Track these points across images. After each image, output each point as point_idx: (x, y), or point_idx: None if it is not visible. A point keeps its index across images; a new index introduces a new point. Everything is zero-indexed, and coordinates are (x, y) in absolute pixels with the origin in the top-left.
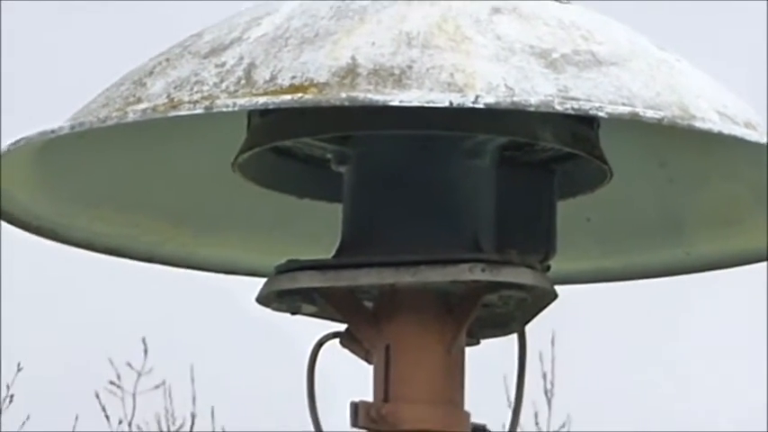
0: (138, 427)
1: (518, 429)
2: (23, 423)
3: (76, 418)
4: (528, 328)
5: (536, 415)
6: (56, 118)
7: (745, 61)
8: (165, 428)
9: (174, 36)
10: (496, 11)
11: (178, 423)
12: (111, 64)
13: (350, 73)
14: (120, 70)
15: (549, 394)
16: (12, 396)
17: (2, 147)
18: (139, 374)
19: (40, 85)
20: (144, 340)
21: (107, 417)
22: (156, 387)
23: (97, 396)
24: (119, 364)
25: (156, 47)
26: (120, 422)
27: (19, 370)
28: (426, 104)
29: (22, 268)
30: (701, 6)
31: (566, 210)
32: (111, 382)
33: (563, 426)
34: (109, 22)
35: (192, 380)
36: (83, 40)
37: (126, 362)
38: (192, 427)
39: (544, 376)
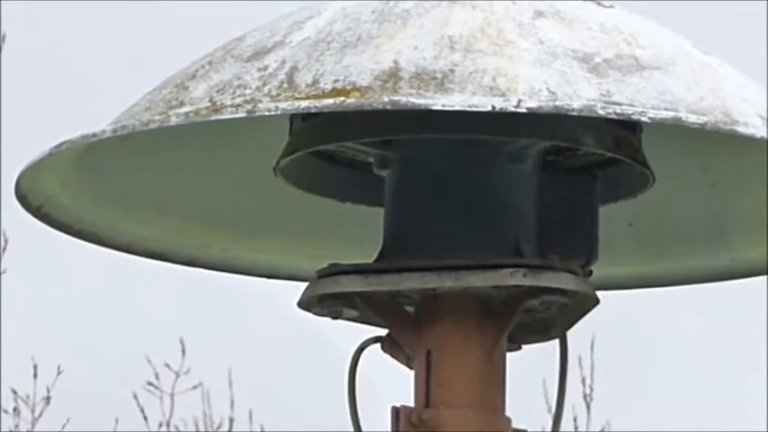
0: (176, 427)
1: None
2: (64, 425)
3: (117, 421)
4: (569, 332)
5: (575, 419)
6: (57, 118)
7: (746, 61)
8: (203, 431)
9: (173, 38)
10: (539, 15)
11: (216, 426)
12: (113, 64)
13: (392, 77)
14: (122, 70)
15: (587, 399)
16: (49, 398)
17: (44, 150)
18: (177, 375)
19: (40, 85)
20: (182, 340)
21: (145, 417)
22: (194, 387)
23: (135, 397)
24: (157, 365)
25: (155, 51)
26: (161, 425)
27: (59, 372)
28: (469, 109)
29: (62, 271)
30: (701, 6)
31: (608, 215)
32: (149, 383)
33: (602, 430)
34: (110, 22)
35: (231, 383)
36: (83, 40)
37: (164, 362)
38: (230, 430)
39: (583, 381)
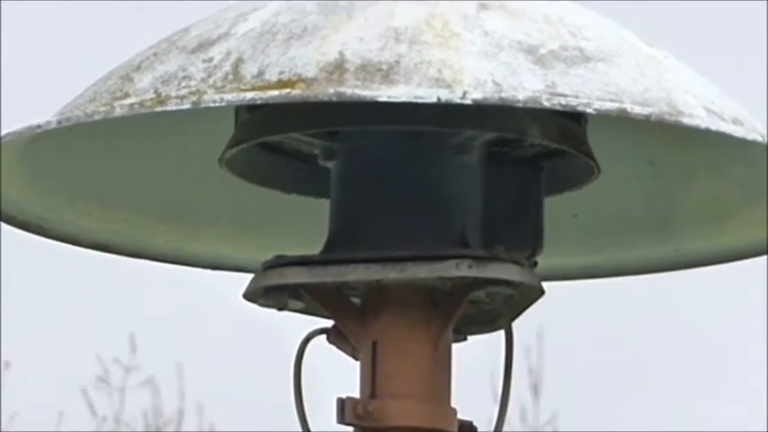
0: (127, 423)
1: (505, 425)
2: (11, 419)
3: (61, 414)
4: (515, 323)
5: (523, 410)
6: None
7: (745, 61)
8: (152, 425)
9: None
10: (484, 7)
11: (166, 419)
12: (111, 63)
13: (338, 68)
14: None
15: (536, 390)
16: None
17: None
18: (127, 370)
19: (40, 84)
20: (132, 336)
21: (94, 412)
22: (143, 383)
23: (84, 392)
24: (106, 361)
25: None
26: (105, 419)
27: (6, 366)
28: (414, 100)
29: (8, 264)
30: (701, 6)
31: (553, 206)
32: (99, 378)
33: (550, 421)
34: (111, 21)
35: (180, 377)
36: (83, 40)
37: (114, 358)
38: (179, 425)
39: (531, 372)
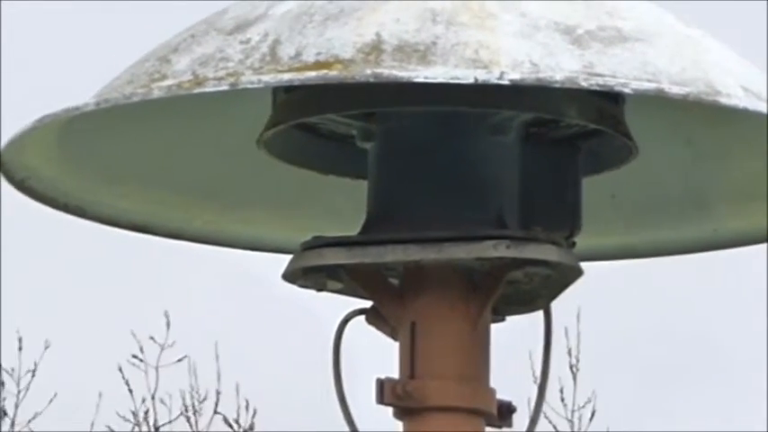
0: (161, 400)
1: (543, 405)
2: (51, 400)
3: (100, 395)
4: (553, 304)
5: (561, 390)
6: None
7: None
8: (189, 404)
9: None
10: None
11: (202, 398)
12: (111, 63)
13: (375, 49)
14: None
15: (574, 370)
16: (34, 371)
17: (27, 123)
18: (162, 348)
19: (40, 84)
20: (167, 314)
21: (130, 390)
22: (179, 360)
23: (120, 369)
24: (142, 339)
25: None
26: (144, 400)
27: (47, 347)
28: (451, 81)
29: (47, 245)
30: (701, 6)
31: (591, 186)
32: (134, 356)
33: (588, 401)
34: (109, 21)
35: (217, 356)
36: (83, 40)
37: (149, 336)
38: (216, 404)
39: (569, 352)
